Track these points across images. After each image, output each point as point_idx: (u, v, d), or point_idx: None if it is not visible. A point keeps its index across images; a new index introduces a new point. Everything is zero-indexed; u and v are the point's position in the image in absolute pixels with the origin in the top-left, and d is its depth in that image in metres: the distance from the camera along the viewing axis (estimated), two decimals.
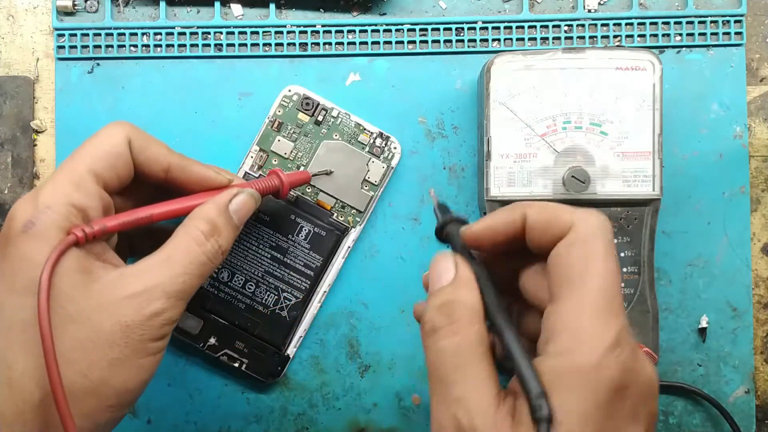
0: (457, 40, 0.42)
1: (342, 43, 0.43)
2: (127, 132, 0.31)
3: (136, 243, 0.36)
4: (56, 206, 0.28)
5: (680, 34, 0.42)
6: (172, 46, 0.42)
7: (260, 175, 0.41)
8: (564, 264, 0.26)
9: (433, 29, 0.42)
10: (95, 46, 0.42)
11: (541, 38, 0.42)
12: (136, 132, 0.32)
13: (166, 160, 0.33)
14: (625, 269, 0.38)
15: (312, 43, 0.42)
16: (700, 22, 0.42)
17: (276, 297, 0.41)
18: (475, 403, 0.25)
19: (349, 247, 0.41)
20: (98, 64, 0.42)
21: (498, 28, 0.42)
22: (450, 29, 0.42)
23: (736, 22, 0.42)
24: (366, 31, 0.42)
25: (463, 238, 0.29)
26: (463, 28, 0.42)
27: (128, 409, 0.30)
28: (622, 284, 0.38)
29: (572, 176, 0.37)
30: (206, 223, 0.31)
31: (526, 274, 0.29)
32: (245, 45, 0.42)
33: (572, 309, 0.25)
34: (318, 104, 0.41)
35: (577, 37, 0.42)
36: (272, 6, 0.42)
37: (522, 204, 0.28)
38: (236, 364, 0.41)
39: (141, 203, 0.33)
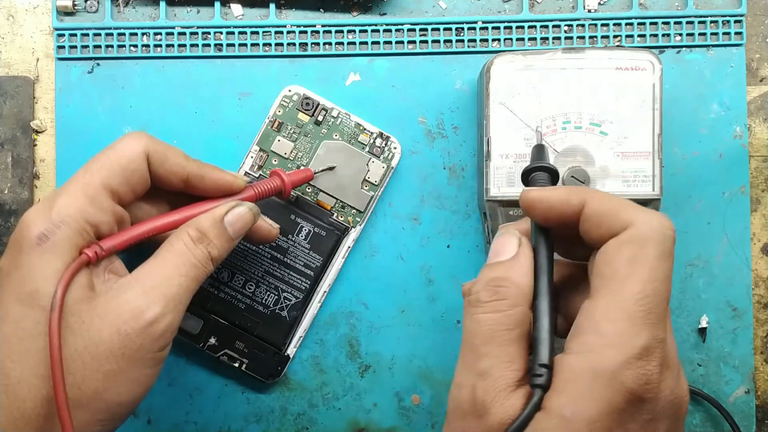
0: (457, 40, 0.42)
1: (342, 43, 0.43)
2: (145, 145, 0.31)
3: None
4: (71, 222, 0.29)
5: (680, 34, 0.42)
6: (172, 46, 0.42)
7: (260, 175, 0.41)
8: (609, 262, 0.25)
9: (433, 29, 0.42)
10: (95, 46, 0.42)
11: (541, 38, 0.42)
12: (154, 144, 0.32)
13: (185, 171, 0.33)
14: None
15: (312, 43, 0.42)
16: (700, 22, 0.42)
17: (276, 297, 0.41)
18: (494, 380, 0.24)
19: (349, 247, 0.41)
20: (98, 64, 0.42)
21: (498, 28, 0.42)
22: (450, 29, 0.42)
23: (736, 22, 0.42)
24: (366, 31, 0.42)
25: (520, 199, 0.27)
26: (463, 28, 0.42)
27: (120, 423, 0.30)
28: None
29: (572, 176, 0.37)
30: (196, 230, 0.32)
31: (590, 263, 0.27)
32: (245, 45, 0.42)
33: (604, 309, 0.24)
34: (318, 104, 0.41)
35: (577, 37, 0.42)
36: (272, 6, 0.42)
37: (585, 190, 0.27)
38: (236, 364, 0.41)
39: (159, 207, 0.34)
